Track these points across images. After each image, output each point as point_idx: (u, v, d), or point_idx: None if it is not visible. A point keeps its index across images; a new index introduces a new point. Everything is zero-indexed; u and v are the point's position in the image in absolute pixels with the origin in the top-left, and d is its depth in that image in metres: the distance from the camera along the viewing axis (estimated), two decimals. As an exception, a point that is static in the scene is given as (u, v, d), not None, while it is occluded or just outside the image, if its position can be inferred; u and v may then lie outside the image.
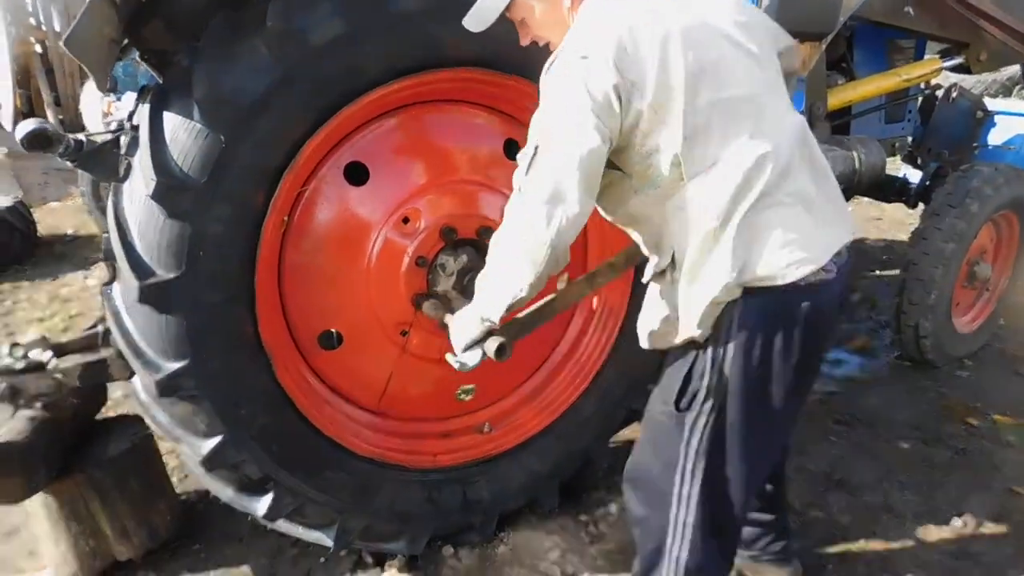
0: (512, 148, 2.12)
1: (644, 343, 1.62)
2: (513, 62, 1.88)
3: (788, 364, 1.41)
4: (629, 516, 1.71)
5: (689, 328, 1.45)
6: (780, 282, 1.36)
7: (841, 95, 3.12)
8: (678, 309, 1.46)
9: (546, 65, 1.42)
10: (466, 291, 1.98)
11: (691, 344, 1.47)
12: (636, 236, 1.57)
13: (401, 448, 2.14)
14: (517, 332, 1.64)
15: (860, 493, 2.48)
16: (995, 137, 3.58)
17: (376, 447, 2.08)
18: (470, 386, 2.23)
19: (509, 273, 1.43)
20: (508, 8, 1.51)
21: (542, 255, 1.37)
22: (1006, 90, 7.25)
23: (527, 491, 2.27)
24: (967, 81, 5.79)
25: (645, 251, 1.57)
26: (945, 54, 3.46)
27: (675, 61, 1.33)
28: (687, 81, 1.33)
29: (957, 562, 2.17)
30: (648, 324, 1.57)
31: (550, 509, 2.33)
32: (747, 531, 1.89)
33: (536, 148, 1.37)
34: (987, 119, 3.59)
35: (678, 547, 1.54)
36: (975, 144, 3.60)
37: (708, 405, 1.45)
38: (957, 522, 2.36)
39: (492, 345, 1.54)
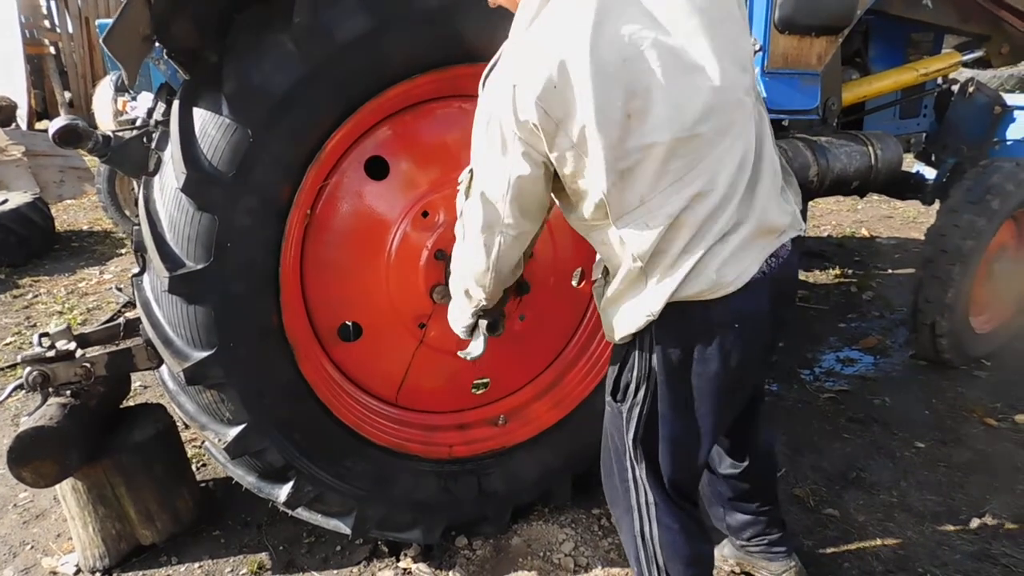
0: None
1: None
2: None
3: (712, 365, 1.41)
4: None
5: (612, 336, 1.50)
6: (700, 299, 1.35)
7: (856, 90, 3.10)
8: (605, 313, 1.51)
9: (483, 75, 1.37)
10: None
11: (621, 343, 1.51)
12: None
13: (418, 439, 2.17)
14: (500, 305, 1.70)
15: (876, 492, 2.48)
16: (1015, 132, 3.54)
17: (394, 437, 2.11)
18: (485, 379, 2.26)
19: (464, 295, 1.56)
20: None
21: (487, 280, 1.45)
22: (1023, 85, 7.15)
23: (541, 484, 2.30)
24: (982, 76, 5.72)
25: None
26: (963, 48, 3.43)
27: (604, 102, 1.21)
28: (618, 124, 1.23)
29: (977, 563, 2.16)
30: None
31: (563, 502, 2.35)
32: (737, 519, 1.95)
33: (471, 173, 1.38)
34: (1006, 114, 3.54)
35: (647, 527, 1.59)
36: (994, 140, 3.56)
37: (639, 395, 1.49)
38: (977, 523, 2.34)
39: (483, 324, 1.68)
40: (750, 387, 1.63)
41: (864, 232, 5.49)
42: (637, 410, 1.51)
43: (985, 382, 3.27)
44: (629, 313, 1.42)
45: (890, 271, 4.67)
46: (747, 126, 1.36)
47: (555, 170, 1.33)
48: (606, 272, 1.52)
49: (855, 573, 2.12)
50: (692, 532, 1.61)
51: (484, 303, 1.54)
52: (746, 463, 1.85)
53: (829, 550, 2.23)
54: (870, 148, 3.05)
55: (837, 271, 4.94)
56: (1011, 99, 3.63)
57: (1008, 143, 3.56)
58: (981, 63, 3.49)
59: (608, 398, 1.59)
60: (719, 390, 1.45)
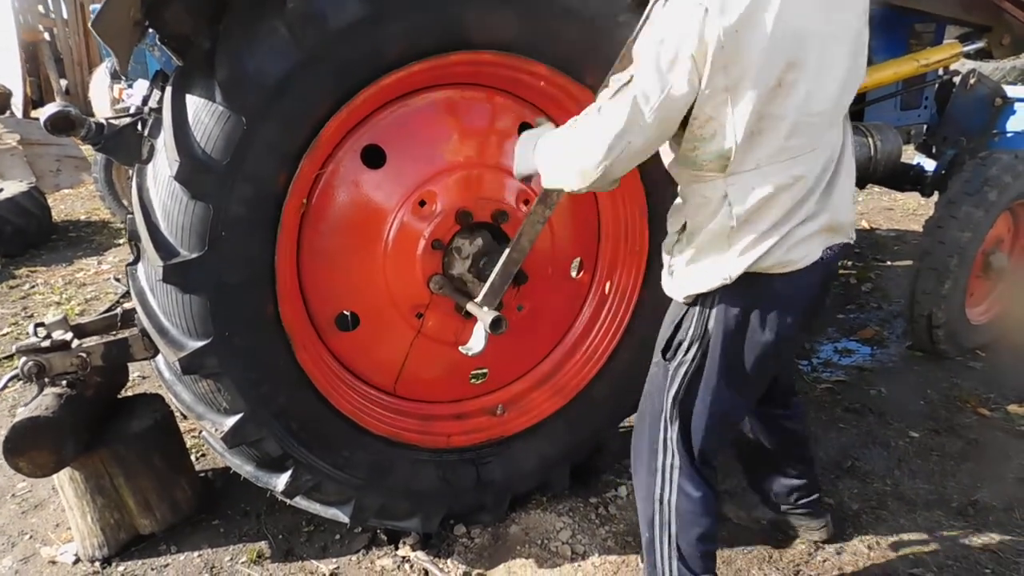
0: (527, 132, 2.13)
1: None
2: (530, 46, 1.89)
3: (764, 334, 1.54)
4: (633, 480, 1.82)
5: (678, 292, 1.60)
6: (769, 272, 1.49)
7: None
8: (674, 271, 1.61)
9: None
10: (481, 274, 2.00)
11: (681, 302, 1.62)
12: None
13: (416, 428, 2.17)
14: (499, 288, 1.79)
15: (870, 481, 2.49)
16: (1015, 124, 3.53)
17: (391, 427, 2.11)
18: (483, 369, 2.26)
19: (560, 171, 1.56)
20: None
21: (593, 175, 1.46)
22: (1025, 77, 7.12)
23: (539, 473, 2.31)
24: (984, 68, 5.70)
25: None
26: (965, 38, 3.41)
27: (769, 63, 1.32)
28: (769, 88, 1.34)
29: (968, 551, 2.18)
30: (664, 270, 1.68)
31: (561, 491, 2.36)
32: (784, 485, 2.09)
33: (631, 78, 1.39)
34: (1006, 106, 3.53)
35: (668, 492, 1.67)
36: (994, 132, 3.55)
37: (689, 356, 1.59)
38: (968, 510, 2.37)
39: (487, 319, 1.75)
40: (784, 361, 1.80)
41: (864, 224, 5.48)
42: (684, 369, 1.61)
43: (980, 372, 3.29)
44: (704, 274, 1.52)
45: (889, 263, 4.67)
46: (843, 129, 1.54)
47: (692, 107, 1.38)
48: (683, 229, 1.58)
49: (848, 559, 2.14)
50: (709, 504, 1.69)
51: (569, 189, 1.56)
52: (792, 415, 1.98)
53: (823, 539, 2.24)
54: (870, 139, 3.04)
55: (836, 262, 4.93)
56: (1012, 91, 3.61)
57: (1008, 135, 3.55)
58: (982, 54, 3.47)
59: (657, 357, 1.67)
60: (765, 357, 1.57)
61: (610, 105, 1.41)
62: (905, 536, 2.25)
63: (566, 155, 1.53)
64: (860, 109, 3.30)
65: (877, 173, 3.09)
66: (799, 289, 1.53)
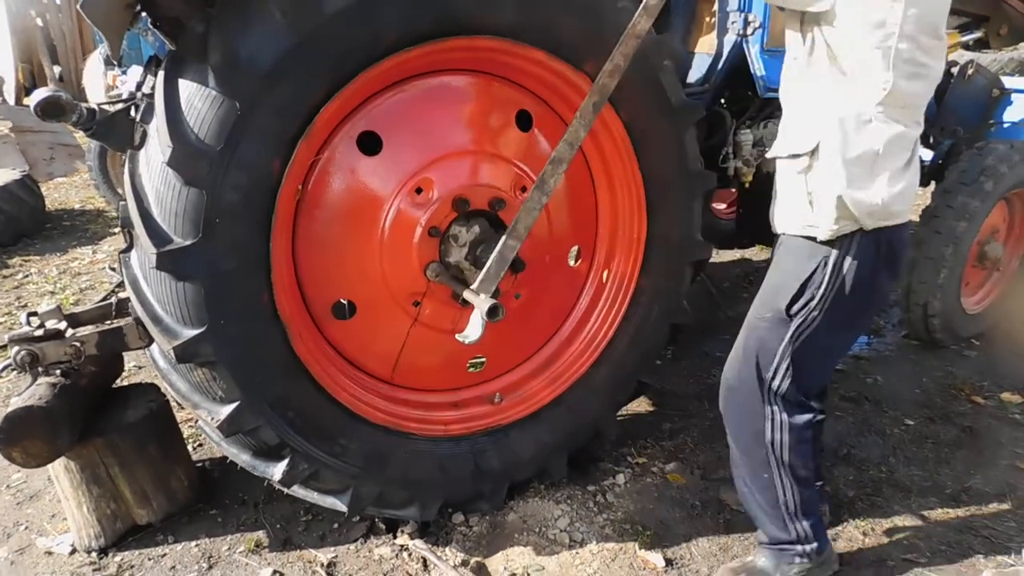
0: (525, 119, 2.12)
1: (774, 226, 1.83)
2: (529, 32, 1.87)
3: (885, 282, 1.73)
4: (725, 421, 1.96)
5: (819, 228, 1.65)
6: (897, 221, 1.65)
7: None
8: (806, 197, 1.66)
9: None
10: (478, 262, 1.99)
11: (809, 256, 1.69)
12: (788, 99, 1.75)
13: (413, 417, 2.17)
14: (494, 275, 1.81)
15: (866, 468, 2.51)
16: (1011, 115, 3.53)
17: (389, 415, 2.10)
18: (481, 358, 2.25)
19: None
20: None
21: None
22: (1022, 68, 7.11)
23: (536, 461, 2.31)
24: (982, 59, 5.69)
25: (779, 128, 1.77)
26: (963, 29, 3.40)
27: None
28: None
29: (961, 536, 2.21)
30: (779, 206, 1.78)
31: (559, 479, 2.37)
32: None
33: None
34: (1004, 97, 3.53)
35: (777, 432, 1.82)
36: (991, 122, 3.55)
37: (816, 311, 1.70)
38: (961, 497, 2.39)
39: (484, 307, 1.74)
40: None
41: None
42: (808, 320, 1.72)
43: (974, 361, 3.31)
44: (851, 203, 1.58)
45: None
46: None
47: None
48: (814, 152, 1.63)
49: (843, 546, 2.15)
50: (817, 431, 1.92)
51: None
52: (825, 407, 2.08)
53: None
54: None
55: (832, 251, 4.94)
56: (1009, 82, 3.61)
57: (1005, 125, 3.55)
58: (980, 44, 3.46)
59: (769, 313, 1.76)
60: (876, 304, 1.78)
61: None
62: (899, 522, 2.27)
63: None
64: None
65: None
66: (906, 242, 1.74)
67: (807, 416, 1.82)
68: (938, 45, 1.61)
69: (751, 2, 2.57)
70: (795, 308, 1.71)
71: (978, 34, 3.35)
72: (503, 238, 1.82)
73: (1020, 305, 3.57)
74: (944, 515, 2.31)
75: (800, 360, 1.74)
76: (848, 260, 1.65)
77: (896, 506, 2.33)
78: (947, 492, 2.41)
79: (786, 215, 1.75)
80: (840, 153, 1.57)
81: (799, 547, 1.90)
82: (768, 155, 1.83)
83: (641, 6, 1.70)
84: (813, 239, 1.68)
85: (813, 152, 1.62)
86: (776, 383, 1.78)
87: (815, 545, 1.91)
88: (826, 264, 1.66)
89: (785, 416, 1.80)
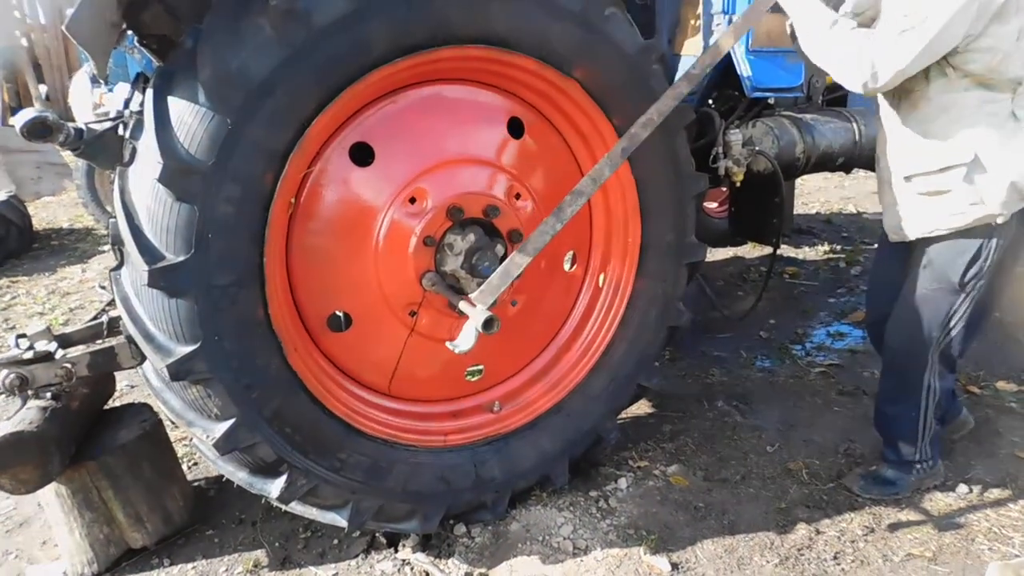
0: (516, 126, 2.12)
1: (915, 233, 2.10)
2: (518, 41, 1.87)
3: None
4: (888, 368, 2.35)
5: (990, 208, 1.95)
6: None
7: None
8: (969, 196, 1.94)
9: None
10: (474, 270, 1.98)
11: (970, 236, 2.01)
12: (926, 128, 1.98)
13: (412, 429, 2.14)
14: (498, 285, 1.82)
15: (866, 463, 2.51)
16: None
17: (388, 427, 2.08)
18: (479, 366, 2.24)
19: (822, 51, 1.96)
20: None
21: (850, 74, 1.90)
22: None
23: (538, 469, 2.29)
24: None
25: (918, 147, 2.00)
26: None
27: None
28: None
29: (963, 528, 2.21)
30: (918, 215, 2.07)
31: (561, 486, 2.35)
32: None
33: (925, 20, 1.76)
34: None
35: (936, 380, 2.22)
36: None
37: (983, 281, 2.07)
38: (963, 488, 2.39)
39: (479, 319, 1.74)
40: None
41: (851, 208, 5.53)
42: (972, 295, 2.09)
43: (969, 351, 3.31)
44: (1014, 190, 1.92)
45: (877, 246, 4.71)
46: None
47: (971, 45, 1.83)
48: (974, 161, 1.92)
49: (847, 542, 2.15)
50: (953, 380, 2.38)
51: (856, 81, 1.90)
52: None
53: (823, 519, 2.25)
54: (854, 125, 3.06)
55: (826, 247, 4.98)
56: None
57: None
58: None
59: (940, 285, 2.08)
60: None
61: (898, 41, 1.79)
62: (903, 516, 2.27)
63: (836, 53, 1.91)
64: (844, 95, 3.31)
65: (863, 158, 3.11)
66: None
67: (954, 373, 2.32)
68: None
69: (735, 4, 2.59)
70: (967, 283, 2.06)
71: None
72: (512, 255, 1.82)
73: (1012, 294, 3.59)
74: (947, 507, 2.32)
75: (958, 332, 2.15)
76: (1005, 235, 2.00)
77: (899, 500, 2.34)
78: (948, 484, 2.42)
79: (930, 219, 2.05)
80: (1001, 150, 1.90)
81: (920, 465, 2.34)
82: (904, 175, 2.05)
83: (684, 72, 1.94)
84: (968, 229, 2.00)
85: (974, 160, 1.91)
86: (940, 353, 2.18)
87: (931, 461, 2.35)
88: (990, 239, 1.99)
89: (943, 368, 2.21)
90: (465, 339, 1.75)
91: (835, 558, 2.10)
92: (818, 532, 2.21)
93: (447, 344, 1.78)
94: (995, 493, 2.38)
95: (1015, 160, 1.91)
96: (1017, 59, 1.85)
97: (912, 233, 2.10)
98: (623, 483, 2.41)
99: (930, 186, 1.99)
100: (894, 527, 2.23)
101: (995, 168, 1.91)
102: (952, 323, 2.13)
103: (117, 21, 1.64)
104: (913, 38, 1.79)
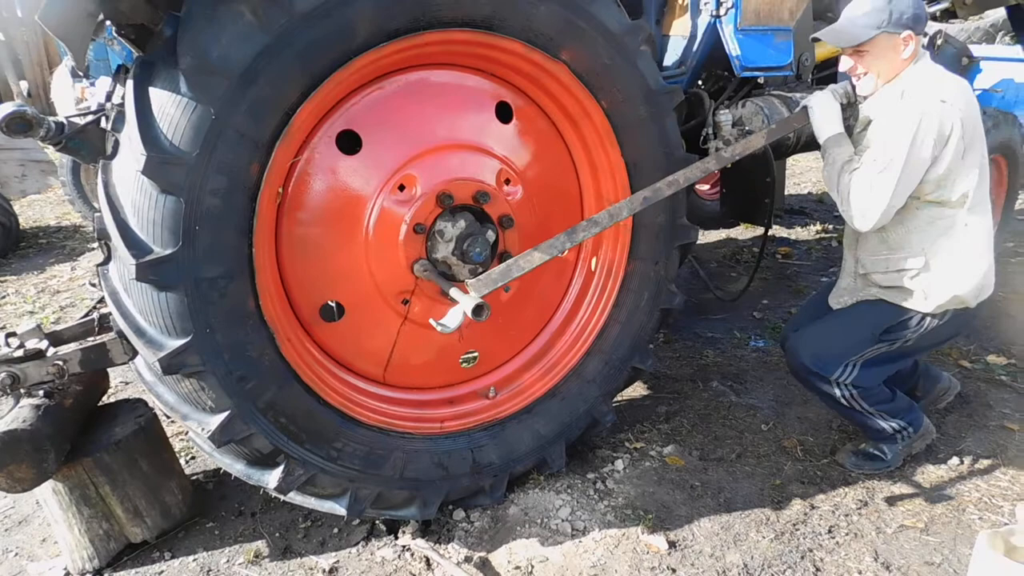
0: (505, 111, 2.10)
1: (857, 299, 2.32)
2: (504, 23, 1.85)
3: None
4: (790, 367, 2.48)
5: (929, 307, 2.17)
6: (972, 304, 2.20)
7: (828, 46, 3.09)
8: (920, 292, 2.15)
9: (897, 93, 2.08)
10: (465, 256, 1.97)
11: (903, 311, 2.20)
12: (885, 236, 2.19)
13: (408, 416, 2.15)
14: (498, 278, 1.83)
15: (859, 439, 2.53)
16: (982, 82, 3.58)
17: (383, 416, 2.09)
18: (473, 352, 2.24)
19: (832, 184, 2.16)
20: (872, 39, 2.06)
21: (847, 214, 2.13)
22: (989, 37, 7.23)
23: (534, 453, 2.30)
24: (950, 29, 5.78)
25: (878, 249, 2.22)
26: (930, 0, 3.44)
27: (978, 130, 2.10)
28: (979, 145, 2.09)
29: (956, 499, 2.24)
30: (875, 292, 2.27)
31: (558, 469, 2.36)
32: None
33: (890, 161, 1.99)
34: (973, 65, 3.59)
35: (840, 387, 2.31)
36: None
37: (909, 343, 2.24)
38: (954, 460, 2.43)
39: (469, 304, 1.74)
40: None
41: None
42: (887, 347, 2.28)
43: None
44: (958, 284, 2.15)
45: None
46: None
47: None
48: (925, 265, 2.15)
49: (841, 516, 2.18)
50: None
51: (856, 223, 2.12)
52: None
53: (817, 495, 2.28)
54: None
55: (818, 227, 4.99)
56: (978, 50, 3.66)
57: (976, 92, 3.60)
58: (947, 14, 3.50)
59: (870, 335, 2.26)
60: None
61: (880, 180, 2.01)
62: (895, 489, 2.31)
63: (846, 192, 2.10)
64: (833, 73, 3.31)
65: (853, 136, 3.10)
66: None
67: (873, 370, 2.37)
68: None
69: (723, -18, 2.57)
70: (888, 336, 2.23)
71: (945, 4, 3.39)
72: (519, 257, 1.83)
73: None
74: (939, 479, 2.35)
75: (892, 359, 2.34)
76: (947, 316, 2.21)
77: (892, 473, 2.37)
78: (940, 456, 2.45)
79: (874, 293, 2.27)
80: (950, 259, 2.11)
81: (901, 434, 2.36)
82: (862, 272, 2.28)
83: (715, 157, 2.14)
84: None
85: (924, 265, 2.12)
86: (847, 374, 2.28)
87: (911, 427, 2.36)
88: (922, 319, 2.19)
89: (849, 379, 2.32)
90: (452, 319, 1.75)
91: (829, 532, 2.12)
92: (813, 507, 2.24)
93: (432, 322, 1.78)
94: (985, 464, 2.41)
95: (962, 272, 2.12)
96: (963, 176, 2.05)
97: (853, 301, 2.34)
98: (620, 465, 2.43)
99: (883, 281, 2.22)
100: (887, 500, 2.26)
101: (942, 277, 2.12)
102: (855, 360, 2.26)
103: (93, 10, 1.61)
104: (886, 178, 2.00)
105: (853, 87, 2.20)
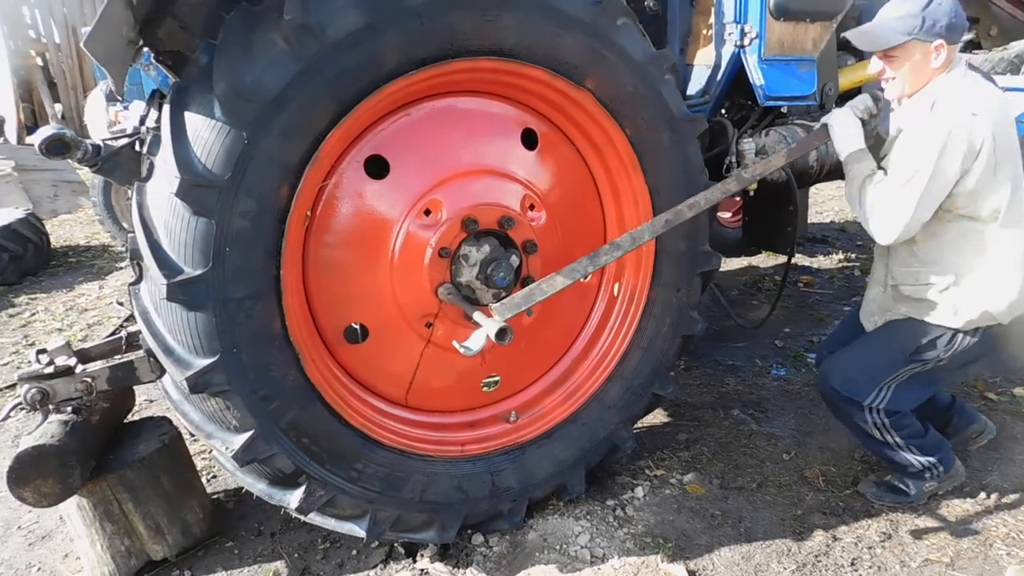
0: (530, 137, 2.13)
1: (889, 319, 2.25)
2: (530, 52, 1.88)
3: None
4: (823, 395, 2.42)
5: (959, 323, 2.09)
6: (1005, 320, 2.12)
7: (852, 75, 3.09)
8: (951, 306, 2.09)
9: (927, 103, 2.00)
10: (489, 281, 1.99)
11: (933, 329, 2.13)
12: (915, 249, 2.12)
13: (429, 439, 2.14)
14: (522, 302, 1.85)
15: (883, 470, 2.47)
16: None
17: (405, 438, 2.08)
18: (495, 376, 2.24)
19: (854, 200, 2.12)
20: (902, 45, 1.98)
21: (870, 228, 2.08)
22: (1014, 68, 7.17)
23: (554, 478, 2.28)
24: (974, 59, 5.76)
25: (908, 261, 2.15)
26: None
27: (1012, 144, 1.98)
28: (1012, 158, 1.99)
29: (981, 533, 2.18)
30: (904, 310, 2.21)
31: (577, 495, 2.34)
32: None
33: (916, 172, 1.93)
34: None
35: (874, 414, 2.26)
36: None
37: (943, 363, 2.18)
38: (981, 494, 2.36)
39: (493, 328, 1.75)
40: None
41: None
42: (920, 368, 2.22)
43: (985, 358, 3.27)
44: (988, 302, 2.08)
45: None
46: None
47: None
48: (954, 275, 2.08)
49: (864, 548, 2.12)
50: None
51: (877, 236, 2.08)
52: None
53: (840, 526, 2.23)
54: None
55: (840, 256, 4.94)
56: (1002, 81, 3.64)
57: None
58: (971, 45, 3.49)
59: (903, 357, 2.19)
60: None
61: (904, 191, 1.95)
62: (920, 522, 2.25)
63: (866, 207, 2.06)
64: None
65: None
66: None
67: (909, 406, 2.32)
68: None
69: (747, 13, 2.60)
70: (917, 356, 2.15)
71: (969, 36, 3.39)
72: (542, 281, 1.86)
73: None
74: (965, 513, 2.28)
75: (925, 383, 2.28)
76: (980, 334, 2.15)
77: (915, 506, 2.31)
78: (966, 489, 2.38)
79: (905, 311, 2.20)
80: (981, 275, 2.05)
81: (930, 472, 2.29)
82: (892, 284, 2.22)
83: (735, 178, 2.15)
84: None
85: (955, 281, 2.07)
86: (880, 398, 2.22)
87: (940, 468, 2.30)
88: (953, 336, 2.12)
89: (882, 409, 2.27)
90: (474, 342, 1.76)
91: (852, 564, 2.07)
92: (835, 539, 2.18)
93: (455, 344, 1.79)
94: (1012, 498, 2.34)
95: (994, 288, 2.05)
96: (994, 191, 1.98)
97: (885, 320, 2.28)
98: (639, 492, 2.40)
99: (913, 293, 2.16)
100: (911, 533, 2.20)
101: (973, 292, 2.06)
102: (887, 383, 2.19)
103: (134, 38, 1.67)
104: (910, 191, 1.94)
105: (875, 100, 2.15)
